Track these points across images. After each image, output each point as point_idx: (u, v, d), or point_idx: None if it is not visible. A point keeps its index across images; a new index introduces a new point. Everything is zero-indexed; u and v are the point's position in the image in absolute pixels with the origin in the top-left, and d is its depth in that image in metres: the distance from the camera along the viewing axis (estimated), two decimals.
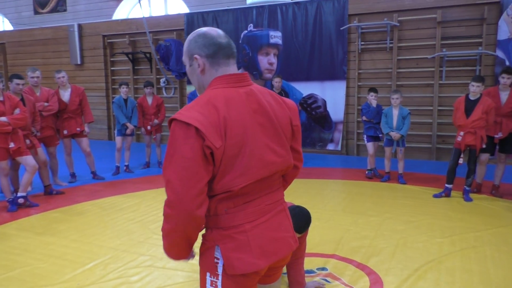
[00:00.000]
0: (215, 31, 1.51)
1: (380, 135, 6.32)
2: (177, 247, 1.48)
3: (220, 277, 1.45)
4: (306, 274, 3.02)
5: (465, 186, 5.13)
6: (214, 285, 1.47)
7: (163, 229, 1.44)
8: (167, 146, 1.39)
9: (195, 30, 1.54)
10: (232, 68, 1.52)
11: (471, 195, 5.17)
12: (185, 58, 1.54)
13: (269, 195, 1.53)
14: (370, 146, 6.36)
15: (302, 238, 2.69)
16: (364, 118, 6.39)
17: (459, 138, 5.05)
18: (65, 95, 6.06)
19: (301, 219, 2.46)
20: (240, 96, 1.45)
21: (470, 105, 4.97)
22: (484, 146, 5.01)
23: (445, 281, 2.96)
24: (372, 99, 6.28)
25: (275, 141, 1.50)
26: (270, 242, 1.47)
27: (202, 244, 1.52)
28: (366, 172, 6.48)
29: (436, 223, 4.22)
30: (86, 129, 6.29)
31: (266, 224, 1.48)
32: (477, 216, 4.44)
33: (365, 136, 6.46)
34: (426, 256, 3.40)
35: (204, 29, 1.53)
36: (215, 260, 1.46)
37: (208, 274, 1.48)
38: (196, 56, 1.48)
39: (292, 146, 1.62)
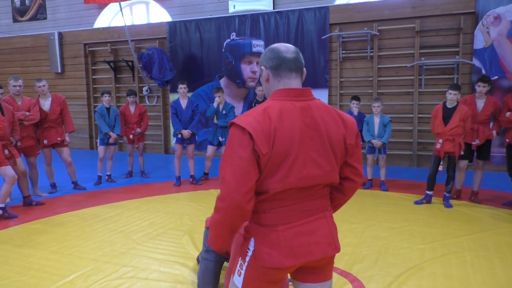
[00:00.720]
0: (284, 47, 1.65)
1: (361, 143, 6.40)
2: (221, 237, 1.63)
3: (246, 263, 1.64)
4: (290, 283, 3.02)
5: (445, 193, 5.23)
6: (241, 267, 1.66)
7: (212, 220, 1.61)
8: (225, 147, 1.56)
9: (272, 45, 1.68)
10: (294, 82, 1.64)
11: (451, 201, 5.27)
12: (259, 68, 1.74)
13: (308, 203, 1.62)
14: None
15: None
16: None
17: (438, 146, 5.16)
18: (46, 104, 5.96)
19: None
20: (295, 109, 1.58)
21: (447, 113, 5.08)
22: (462, 153, 5.13)
23: (427, 287, 3.00)
24: (354, 107, 6.37)
25: (322, 155, 1.60)
26: (300, 245, 1.57)
27: (242, 233, 1.73)
28: None
29: (417, 230, 4.29)
30: (67, 138, 6.20)
31: (301, 228, 1.59)
32: (457, 222, 4.53)
33: None
34: (408, 263, 3.44)
35: (276, 44, 1.68)
36: (248, 248, 1.64)
37: (240, 258, 1.68)
38: (262, 67, 1.67)
39: (348, 161, 1.71)
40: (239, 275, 1.67)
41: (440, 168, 5.20)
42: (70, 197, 5.93)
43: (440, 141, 5.12)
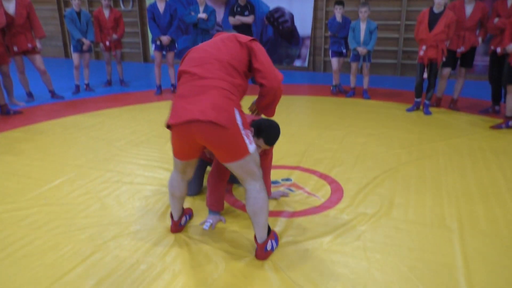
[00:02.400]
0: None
1: (344, 51, 6.26)
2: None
3: None
4: (271, 185, 3.14)
5: (426, 100, 5.31)
6: None
7: None
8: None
9: None
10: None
11: (430, 109, 5.37)
12: None
13: (200, 81, 2.03)
14: (335, 62, 6.34)
15: (268, 151, 2.75)
16: (329, 32, 6.29)
17: (421, 53, 5.12)
18: (10, 7, 5.51)
19: (269, 133, 2.48)
20: (213, 38, 2.27)
21: (433, 18, 4.96)
22: (444, 59, 5.11)
23: (401, 187, 3.17)
24: (337, 12, 6.12)
25: (213, 46, 2.15)
26: (179, 109, 2.01)
27: None
28: (331, 88, 6.54)
29: (396, 136, 4.41)
30: (38, 45, 5.87)
31: (188, 99, 2.01)
32: (434, 129, 4.66)
33: (330, 51, 6.41)
34: (384, 166, 3.58)
35: None
36: None
37: None
38: None
39: (254, 66, 2.14)
40: None
41: (425, 75, 5.24)
42: (48, 106, 5.80)
43: (424, 47, 5.07)
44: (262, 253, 2.20)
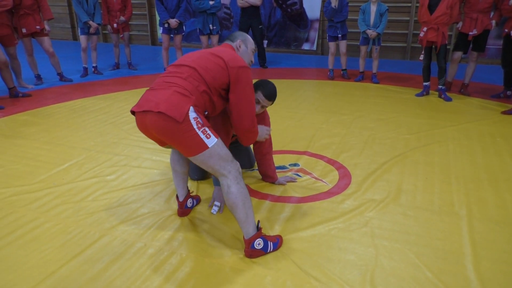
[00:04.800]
0: None
1: (339, 35, 6.14)
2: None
3: None
4: (278, 170, 3.14)
5: (440, 86, 5.21)
6: None
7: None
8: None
9: None
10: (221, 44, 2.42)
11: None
12: None
13: (170, 78, 2.11)
14: (332, 46, 6.26)
15: (264, 116, 2.77)
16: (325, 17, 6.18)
17: (421, 34, 5.05)
18: None
19: (266, 86, 2.54)
20: (218, 47, 2.33)
21: (435, 0, 4.88)
22: (446, 42, 5.02)
23: (409, 173, 3.14)
24: None
25: (201, 55, 2.19)
26: (143, 100, 2.08)
27: None
28: (328, 73, 6.48)
29: (405, 121, 4.35)
30: (46, 27, 5.85)
31: (152, 91, 2.09)
32: (444, 114, 4.59)
33: (327, 35, 6.31)
34: (393, 151, 3.55)
35: None
36: None
37: None
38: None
39: (229, 93, 2.14)
40: None
41: (421, 57, 5.18)
42: (56, 89, 5.81)
43: (425, 29, 5.01)
44: (248, 249, 2.10)
